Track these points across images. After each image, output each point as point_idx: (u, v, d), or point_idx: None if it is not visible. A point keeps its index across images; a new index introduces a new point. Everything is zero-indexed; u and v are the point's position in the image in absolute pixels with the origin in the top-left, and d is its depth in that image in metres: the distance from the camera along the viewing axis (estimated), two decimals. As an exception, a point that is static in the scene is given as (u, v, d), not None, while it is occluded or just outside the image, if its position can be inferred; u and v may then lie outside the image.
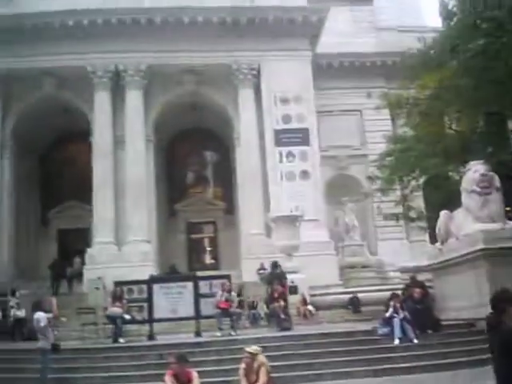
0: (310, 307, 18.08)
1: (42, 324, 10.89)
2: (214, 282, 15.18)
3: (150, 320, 14.78)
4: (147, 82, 26.52)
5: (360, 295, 18.55)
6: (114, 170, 25.74)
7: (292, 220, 20.63)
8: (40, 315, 11.02)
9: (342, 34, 29.99)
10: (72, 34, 25.72)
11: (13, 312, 18.12)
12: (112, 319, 14.52)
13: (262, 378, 7.04)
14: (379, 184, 21.10)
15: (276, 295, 15.85)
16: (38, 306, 11.64)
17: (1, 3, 26.22)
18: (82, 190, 27.77)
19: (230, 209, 31.08)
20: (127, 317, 14.60)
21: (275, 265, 18.33)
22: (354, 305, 18.42)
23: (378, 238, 28.90)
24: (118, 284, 15.36)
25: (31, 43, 25.60)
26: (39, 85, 26.77)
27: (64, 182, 30.94)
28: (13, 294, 20.16)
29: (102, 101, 26.16)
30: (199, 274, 17.86)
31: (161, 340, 14.07)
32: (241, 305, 16.70)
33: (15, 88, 26.83)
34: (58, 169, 31.79)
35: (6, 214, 26.20)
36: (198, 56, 26.42)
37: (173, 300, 14.78)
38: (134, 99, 26.28)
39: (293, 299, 17.47)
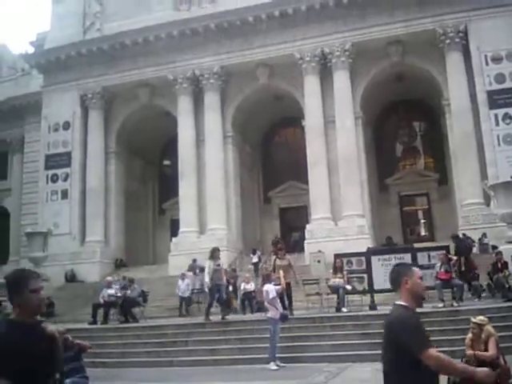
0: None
1: (271, 296, 11.49)
2: (432, 253, 15.12)
3: (371, 290, 15.13)
4: (352, 61, 26.77)
5: None
6: (326, 148, 26.64)
7: (513, 186, 19.41)
8: (269, 287, 11.67)
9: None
10: (279, 23, 27.28)
11: (243, 286, 18.78)
12: (334, 289, 15.36)
13: (492, 348, 6.56)
14: None
15: (500, 266, 15.32)
16: (267, 279, 12.40)
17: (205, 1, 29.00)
18: (298, 171, 29.73)
19: (443, 179, 30.19)
20: (348, 287, 15.29)
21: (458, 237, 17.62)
22: None
23: None
24: (338, 256, 16.00)
25: (244, 37, 27.76)
26: (254, 76, 28.65)
27: (281, 164, 33.43)
28: (254, 252, 23.61)
29: (311, 84, 27.11)
30: (415, 245, 17.93)
31: (381, 310, 14.57)
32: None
33: (232, 82, 29.20)
34: (275, 152, 34.53)
35: (232, 195, 29.02)
36: (400, 26, 25.91)
37: (391, 271, 15.13)
38: (341, 79, 26.73)
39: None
